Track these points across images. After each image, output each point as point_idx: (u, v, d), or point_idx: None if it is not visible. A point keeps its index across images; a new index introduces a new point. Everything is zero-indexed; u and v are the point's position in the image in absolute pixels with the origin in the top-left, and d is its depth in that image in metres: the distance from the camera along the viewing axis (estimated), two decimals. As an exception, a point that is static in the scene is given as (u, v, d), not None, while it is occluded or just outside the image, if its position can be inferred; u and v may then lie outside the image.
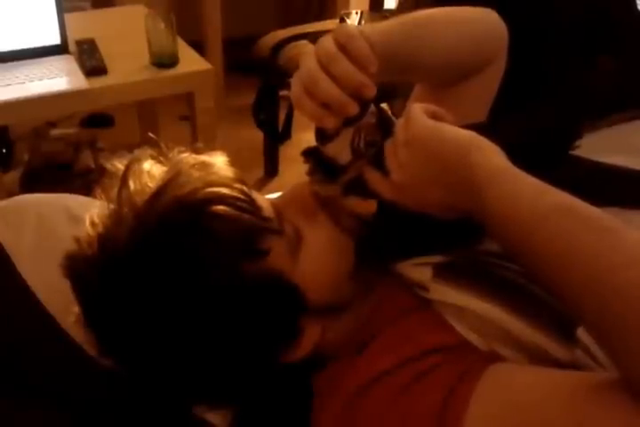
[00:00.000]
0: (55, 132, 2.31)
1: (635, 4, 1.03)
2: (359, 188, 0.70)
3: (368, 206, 0.72)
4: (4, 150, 2.38)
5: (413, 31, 0.75)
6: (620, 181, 0.82)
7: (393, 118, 0.69)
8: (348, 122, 0.66)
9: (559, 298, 0.58)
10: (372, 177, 0.68)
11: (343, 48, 0.62)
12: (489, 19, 0.83)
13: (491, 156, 0.61)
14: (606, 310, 0.51)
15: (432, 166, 0.63)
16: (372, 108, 0.68)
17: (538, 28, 0.93)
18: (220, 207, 0.62)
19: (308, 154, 0.70)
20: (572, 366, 0.63)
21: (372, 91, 0.63)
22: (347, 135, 0.67)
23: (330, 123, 0.64)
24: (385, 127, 0.68)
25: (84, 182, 2.13)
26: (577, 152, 0.82)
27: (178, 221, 0.61)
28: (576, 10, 0.93)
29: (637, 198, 0.80)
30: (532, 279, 0.63)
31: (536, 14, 0.94)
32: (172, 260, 0.61)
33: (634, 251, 0.52)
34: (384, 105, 1.78)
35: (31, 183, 2.16)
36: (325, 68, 0.62)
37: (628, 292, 0.50)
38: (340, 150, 0.68)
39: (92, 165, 2.24)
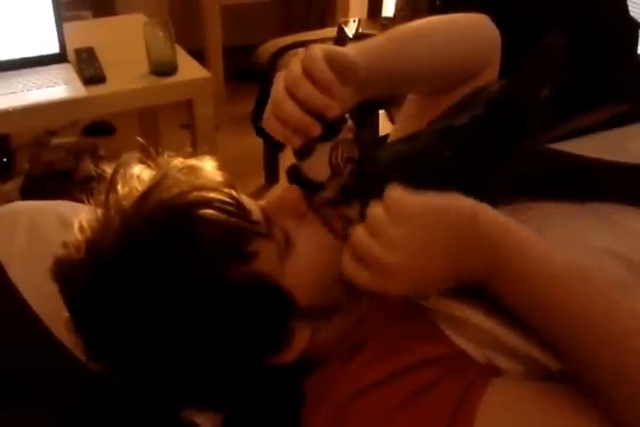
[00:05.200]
0: (56, 140, 2.31)
1: (626, 7, 1.03)
2: (339, 203, 0.70)
3: None
4: (4, 159, 2.40)
5: (407, 44, 0.77)
6: (602, 175, 0.82)
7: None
8: (325, 138, 0.67)
9: (569, 361, 0.60)
10: (350, 267, 0.63)
11: (307, 72, 0.64)
12: (482, 24, 0.83)
13: (495, 219, 0.62)
14: (621, 373, 0.54)
15: (439, 240, 0.61)
16: (350, 123, 0.69)
17: (528, 32, 0.93)
18: (207, 211, 0.63)
19: (289, 172, 0.71)
20: (567, 378, 0.63)
21: (334, 111, 0.65)
22: (325, 151, 0.68)
23: (296, 143, 0.66)
24: (362, 142, 0.69)
25: (85, 191, 2.13)
26: (560, 146, 0.82)
27: (164, 224, 0.62)
28: (567, 12, 0.93)
29: (619, 193, 0.80)
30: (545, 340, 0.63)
31: (526, 18, 0.95)
32: (159, 263, 0.61)
33: None
34: (381, 112, 1.79)
35: (32, 192, 2.17)
36: (290, 91, 0.64)
37: None
38: (318, 167, 0.69)
39: (93, 174, 2.24)
